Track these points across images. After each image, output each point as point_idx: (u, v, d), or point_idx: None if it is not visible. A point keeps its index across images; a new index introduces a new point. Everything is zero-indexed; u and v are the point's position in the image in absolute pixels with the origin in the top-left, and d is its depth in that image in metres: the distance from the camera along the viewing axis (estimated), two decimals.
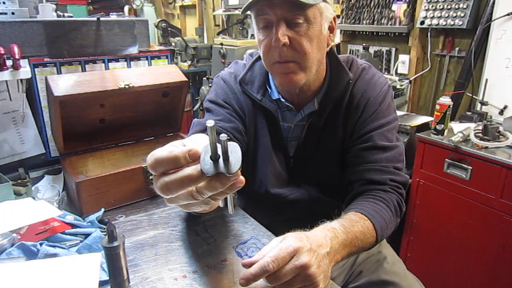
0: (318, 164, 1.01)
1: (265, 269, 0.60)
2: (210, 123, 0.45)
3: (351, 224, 0.77)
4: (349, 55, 1.02)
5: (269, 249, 0.64)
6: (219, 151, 0.46)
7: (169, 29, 3.92)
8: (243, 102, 1.00)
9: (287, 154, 1.02)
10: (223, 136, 0.45)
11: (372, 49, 2.57)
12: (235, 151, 0.47)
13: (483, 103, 1.91)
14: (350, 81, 0.95)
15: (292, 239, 0.64)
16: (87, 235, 0.89)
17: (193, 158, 0.47)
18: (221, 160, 0.46)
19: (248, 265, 0.63)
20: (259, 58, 1.02)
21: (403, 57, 2.38)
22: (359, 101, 0.95)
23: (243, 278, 0.61)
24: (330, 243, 0.69)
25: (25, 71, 1.19)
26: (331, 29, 0.90)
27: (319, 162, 1.01)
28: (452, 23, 2.02)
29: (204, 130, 0.93)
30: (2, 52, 1.13)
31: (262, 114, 1.00)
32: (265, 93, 0.98)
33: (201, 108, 3.26)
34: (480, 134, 1.64)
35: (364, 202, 0.86)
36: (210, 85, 2.99)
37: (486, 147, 1.57)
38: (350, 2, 2.58)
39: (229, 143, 0.46)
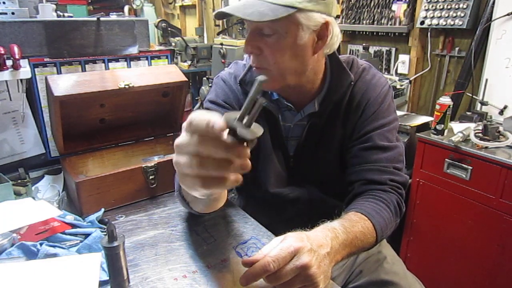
0: (318, 164, 1.01)
1: (266, 269, 0.60)
2: (262, 77, 0.48)
3: (352, 224, 0.77)
4: (350, 56, 1.02)
5: (270, 248, 0.64)
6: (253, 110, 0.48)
7: (169, 29, 3.92)
8: (243, 102, 1.00)
9: (287, 153, 1.02)
10: (262, 99, 0.48)
11: (372, 49, 2.57)
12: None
13: (483, 103, 1.91)
14: (352, 83, 0.95)
15: (292, 239, 0.64)
16: (87, 235, 0.89)
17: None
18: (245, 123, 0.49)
19: (248, 264, 0.63)
20: None
21: (403, 57, 2.38)
22: (359, 101, 0.95)
23: (244, 277, 0.61)
24: (330, 243, 0.69)
25: (25, 71, 1.19)
26: (321, 36, 0.85)
27: (319, 161, 1.01)
28: (452, 23, 2.02)
29: None
30: (2, 52, 1.13)
31: (263, 114, 0.99)
32: (265, 94, 0.98)
33: (201, 108, 3.26)
34: (480, 134, 1.63)
35: (364, 202, 0.86)
36: (210, 85, 2.99)
37: (486, 147, 1.57)
38: (350, 2, 2.58)
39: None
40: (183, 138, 0.52)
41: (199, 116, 0.49)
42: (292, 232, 0.68)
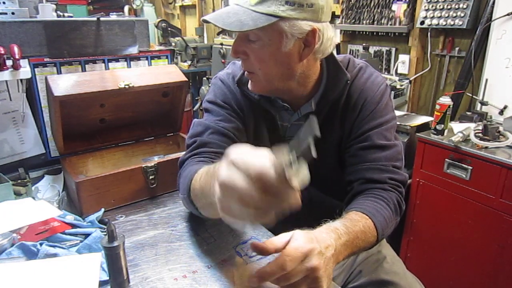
0: (316, 163, 1.01)
1: (283, 267, 0.59)
2: (314, 117, 0.50)
3: (353, 224, 0.77)
4: (346, 55, 1.02)
5: (279, 241, 0.64)
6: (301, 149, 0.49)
7: (169, 29, 3.92)
8: (242, 102, 1.00)
9: None
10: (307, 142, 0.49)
11: (372, 49, 2.57)
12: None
13: (483, 103, 1.91)
14: (348, 82, 0.94)
15: (304, 239, 0.64)
16: (87, 235, 0.89)
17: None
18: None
19: (258, 248, 0.63)
20: None
21: (403, 57, 2.38)
22: (356, 100, 0.95)
23: (259, 274, 0.60)
24: (334, 244, 0.69)
25: (25, 71, 1.19)
26: (308, 43, 0.84)
27: (317, 161, 1.01)
28: (452, 23, 2.02)
29: (204, 130, 0.94)
30: (2, 52, 1.13)
31: (261, 113, 1.00)
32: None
33: (201, 108, 3.26)
34: (480, 134, 1.64)
35: (365, 201, 0.86)
36: (210, 85, 2.99)
37: (486, 147, 1.57)
38: (350, 2, 2.58)
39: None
40: (233, 178, 0.51)
41: (252, 159, 0.51)
42: (293, 231, 0.67)
